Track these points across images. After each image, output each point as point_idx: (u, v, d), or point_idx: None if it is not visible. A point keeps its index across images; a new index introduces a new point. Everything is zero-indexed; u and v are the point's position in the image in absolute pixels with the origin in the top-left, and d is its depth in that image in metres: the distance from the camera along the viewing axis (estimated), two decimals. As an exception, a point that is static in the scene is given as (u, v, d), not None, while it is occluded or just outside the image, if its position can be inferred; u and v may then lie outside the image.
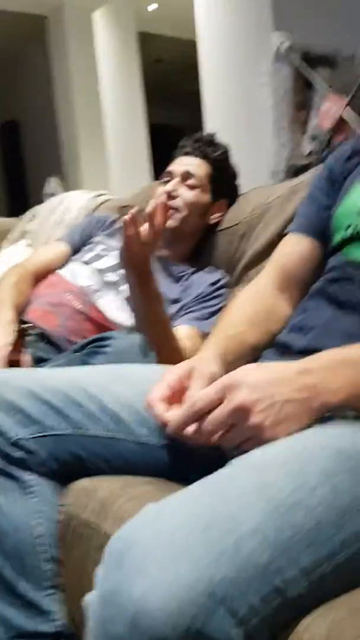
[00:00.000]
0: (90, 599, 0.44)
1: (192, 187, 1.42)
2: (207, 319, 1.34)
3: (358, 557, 0.47)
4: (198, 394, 0.59)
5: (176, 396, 0.67)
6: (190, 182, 1.42)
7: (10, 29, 5.83)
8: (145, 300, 1.09)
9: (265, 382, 0.57)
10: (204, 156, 1.45)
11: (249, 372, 0.59)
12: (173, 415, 0.61)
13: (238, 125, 2.81)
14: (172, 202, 1.40)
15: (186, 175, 1.42)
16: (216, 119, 3.20)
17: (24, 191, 6.81)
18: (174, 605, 0.38)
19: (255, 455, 0.53)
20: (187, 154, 1.46)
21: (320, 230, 0.96)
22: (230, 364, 0.77)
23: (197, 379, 0.66)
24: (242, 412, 0.56)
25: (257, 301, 0.93)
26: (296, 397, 0.57)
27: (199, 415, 0.58)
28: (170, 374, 0.69)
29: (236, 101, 3.05)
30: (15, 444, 0.71)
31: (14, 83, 6.92)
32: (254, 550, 0.42)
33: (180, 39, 6.08)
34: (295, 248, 0.97)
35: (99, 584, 0.42)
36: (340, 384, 0.58)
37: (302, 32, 2.70)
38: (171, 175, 1.45)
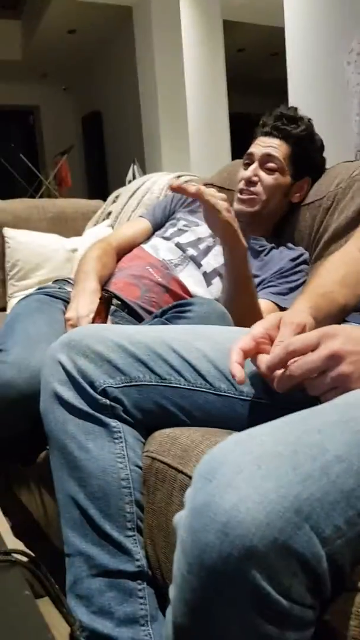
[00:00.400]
0: (180, 516, 0.46)
1: (271, 171, 1.41)
2: (286, 294, 1.33)
3: None
4: (295, 337, 0.60)
5: (262, 349, 0.68)
6: (270, 165, 1.40)
7: (96, 20, 6.00)
8: (233, 261, 1.14)
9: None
10: (285, 136, 1.42)
11: (346, 327, 0.60)
12: (264, 356, 0.62)
13: (324, 105, 2.75)
14: (253, 188, 1.40)
15: (266, 159, 1.41)
16: (300, 102, 3.14)
17: (105, 178, 7.00)
18: (262, 517, 0.39)
19: (339, 398, 0.53)
20: (267, 134, 1.44)
21: None
22: (320, 321, 0.77)
23: (286, 326, 0.67)
24: (335, 360, 0.57)
25: (347, 264, 0.94)
26: None
27: (292, 357, 0.59)
28: (257, 326, 0.69)
29: (322, 80, 2.98)
30: (103, 392, 0.75)
31: (99, 75, 7.12)
32: (339, 475, 0.42)
33: (264, 26, 6.01)
34: None
35: (190, 499, 0.44)
36: None
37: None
38: (251, 157, 1.44)
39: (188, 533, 0.42)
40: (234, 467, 0.42)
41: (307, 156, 1.46)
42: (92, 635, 0.68)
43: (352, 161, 1.50)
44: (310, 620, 0.42)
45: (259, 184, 1.40)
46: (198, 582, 0.41)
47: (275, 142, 1.42)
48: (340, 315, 0.86)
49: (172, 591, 0.45)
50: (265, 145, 1.42)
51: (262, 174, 1.41)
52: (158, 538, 0.69)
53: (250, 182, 1.40)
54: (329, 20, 3.02)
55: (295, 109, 1.48)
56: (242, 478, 0.41)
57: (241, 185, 1.42)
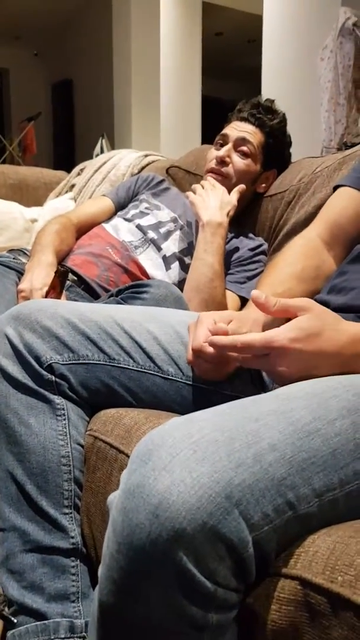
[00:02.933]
0: (114, 496, 0.46)
1: (244, 155, 1.40)
2: (243, 283, 1.35)
3: None
4: (251, 336, 0.61)
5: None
6: (243, 149, 1.40)
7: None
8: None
9: (311, 355, 0.60)
10: (261, 124, 1.42)
11: (303, 341, 0.60)
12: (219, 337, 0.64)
13: (295, 99, 2.77)
14: (224, 169, 1.39)
15: (240, 142, 1.40)
16: (273, 93, 3.15)
17: (72, 149, 6.87)
18: (193, 500, 0.40)
19: (282, 389, 0.55)
20: (243, 119, 1.43)
21: None
22: (277, 321, 0.78)
23: (238, 322, 0.68)
24: (279, 377, 0.60)
25: (306, 256, 0.93)
26: (333, 371, 0.60)
27: (238, 351, 0.62)
28: (208, 317, 0.70)
29: (295, 75, 2.99)
30: (49, 368, 0.74)
31: (72, 43, 6.93)
32: (271, 464, 0.44)
33: (243, 12, 5.97)
34: (347, 203, 0.96)
35: (124, 480, 0.44)
36: None
37: (370, 9, 2.62)
38: (225, 139, 1.43)
39: (119, 513, 0.42)
40: (171, 450, 0.43)
41: (278, 148, 1.47)
42: (22, 609, 0.67)
43: (316, 157, 1.52)
44: (234, 603, 0.43)
45: (230, 165, 1.40)
46: (126, 561, 0.41)
47: (250, 128, 1.42)
48: None
49: (101, 569, 0.45)
50: (241, 129, 1.41)
51: (235, 156, 1.40)
52: (95, 517, 0.70)
53: (222, 162, 1.39)
54: (306, 15, 3.02)
55: (273, 101, 1.49)
56: (177, 461, 0.42)
57: (212, 164, 1.41)
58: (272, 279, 0.91)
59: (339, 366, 0.61)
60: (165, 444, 0.43)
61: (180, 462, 0.41)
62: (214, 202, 1.30)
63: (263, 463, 0.43)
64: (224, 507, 0.40)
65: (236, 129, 1.42)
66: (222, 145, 1.43)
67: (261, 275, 1.06)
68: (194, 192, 1.34)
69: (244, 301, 1.33)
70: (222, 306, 1.22)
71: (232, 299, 1.30)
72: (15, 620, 0.64)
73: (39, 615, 0.67)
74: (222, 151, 1.40)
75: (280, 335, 0.60)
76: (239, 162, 1.40)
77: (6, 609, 0.62)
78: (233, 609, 0.43)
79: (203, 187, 1.34)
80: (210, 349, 0.65)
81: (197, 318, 0.72)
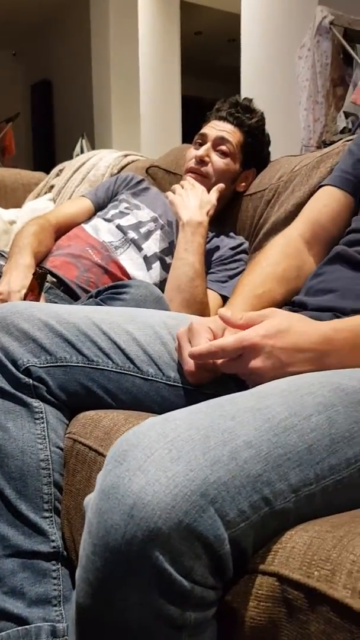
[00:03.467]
0: (89, 497, 0.46)
1: (224, 155, 1.40)
2: (225, 282, 1.35)
3: (345, 483, 0.49)
4: (223, 339, 0.64)
5: None
6: (222, 148, 1.40)
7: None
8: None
9: (282, 351, 0.61)
10: (239, 124, 1.42)
11: (274, 337, 0.62)
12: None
13: (274, 98, 2.78)
14: (203, 168, 1.39)
15: (219, 142, 1.40)
16: (252, 91, 3.16)
17: (52, 150, 6.83)
18: (168, 500, 0.40)
19: (259, 387, 0.55)
20: (221, 118, 1.43)
21: (353, 182, 0.95)
22: None
23: (231, 332, 0.70)
24: (255, 376, 0.61)
25: (288, 256, 0.94)
26: (306, 368, 0.61)
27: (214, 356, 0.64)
28: (203, 326, 0.71)
29: (274, 74, 3.01)
30: (26, 371, 0.73)
31: (51, 43, 6.89)
32: (247, 460, 0.44)
33: (223, 11, 5.98)
34: (329, 202, 0.97)
35: (100, 481, 0.44)
36: (356, 361, 0.62)
37: (346, 8, 2.64)
38: (204, 138, 1.42)
39: (94, 515, 0.42)
40: (146, 450, 0.42)
41: (256, 147, 1.47)
42: (3, 615, 0.67)
43: (295, 155, 1.53)
44: (211, 601, 0.43)
45: (210, 164, 1.40)
46: (102, 563, 0.41)
47: (229, 127, 1.42)
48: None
49: (78, 572, 0.45)
50: (220, 128, 1.41)
51: (214, 155, 1.40)
52: (75, 520, 0.69)
53: (201, 161, 1.39)
54: (283, 14, 3.04)
55: (251, 100, 1.49)
56: (152, 461, 0.41)
57: (191, 164, 1.40)
58: (252, 278, 0.91)
59: (313, 362, 0.62)
60: (141, 444, 0.43)
61: (155, 461, 0.41)
62: (194, 201, 1.30)
63: (239, 460, 0.43)
64: (199, 505, 0.40)
65: (215, 128, 1.42)
66: (201, 145, 1.43)
67: (242, 274, 1.07)
68: (174, 192, 1.34)
69: (225, 300, 1.33)
70: (203, 305, 1.22)
71: (213, 298, 1.30)
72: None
73: (20, 620, 0.67)
74: (201, 150, 1.40)
75: (251, 333, 0.62)
76: (218, 161, 1.40)
77: None
78: (211, 607, 0.43)
79: (182, 187, 1.34)
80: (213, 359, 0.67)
81: (190, 327, 0.72)
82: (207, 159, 1.39)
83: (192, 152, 1.43)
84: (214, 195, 1.34)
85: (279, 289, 0.91)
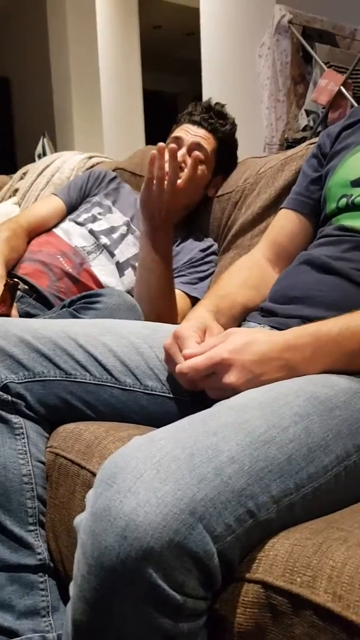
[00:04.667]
0: (81, 518, 0.47)
1: (199, 162, 1.39)
2: (195, 283, 1.37)
3: (323, 490, 0.52)
4: (194, 360, 0.66)
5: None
6: (197, 154, 1.40)
7: (6, -19, 5.67)
8: (153, 251, 1.13)
9: (252, 363, 0.63)
10: (213, 130, 1.42)
11: (242, 351, 0.64)
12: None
13: (235, 95, 2.80)
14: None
15: (195, 147, 1.39)
16: (214, 88, 3.18)
17: (12, 149, 6.71)
18: (159, 519, 0.41)
19: (235, 399, 0.57)
20: (195, 123, 1.42)
21: (311, 205, 1.00)
22: (223, 322, 0.81)
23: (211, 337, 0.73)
24: (222, 366, 0.63)
25: (250, 268, 0.99)
26: (277, 375, 0.63)
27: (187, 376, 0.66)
28: (189, 331, 0.73)
29: (235, 71, 3.03)
30: (5, 388, 0.74)
31: (7, 39, 6.74)
32: (231, 476, 0.46)
33: (180, 5, 5.97)
34: (286, 224, 1.02)
35: (91, 503, 0.45)
36: (321, 363, 0.65)
37: (304, 7, 2.68)
38: (178, 142, 1.41)
39: (88, 536, 0.44)
40: (134, 472, 0.44)
41: (228, 154, 1.48)
42: (-8, 629, 0.68)
43: (260, 157, 1.55)
44: (202, 611, 0.45)
45: (185, 170, 1.40)
46: (98, 582, 0.43)
47: (203, 132, 1.41)
48: (244, 313, 0.91)
49: (72, 590, 0.46)
50: (194, 134, 1.41)
51: (189, 161, 1.40)
52: (60, 532, 0.70)
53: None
54: (242, 9, 3.06)
55: (223, 105, 1.49)
56: (141, 482, 0.43)
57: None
58: (218, 283, 0.95)
59: (283, 369, 0.64)
60: (129, 466, 0.45)
61: (145, 483, 0.43)
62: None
63: (223, 476, 0.45)
64: (188, 523, 0.42)
65: (189, 132, 1.41)
66: None
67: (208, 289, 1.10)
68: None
69: (195, 301, 1.35)
70: (174, 311, 1.23)
71: (183, 299, 1.31)
72: None
73: (10, 633, 0.68)
74: (179, 156, 1.39)
75: (219, 350, 0.64)
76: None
77: None
78: (202, 616, 0.45)
79: None
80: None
81: (176, 334, 0.74)
82: (183, 165, 1.39)
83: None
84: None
85: (241, 291, 0.95)
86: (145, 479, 0.43)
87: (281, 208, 1.07)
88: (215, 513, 0.44)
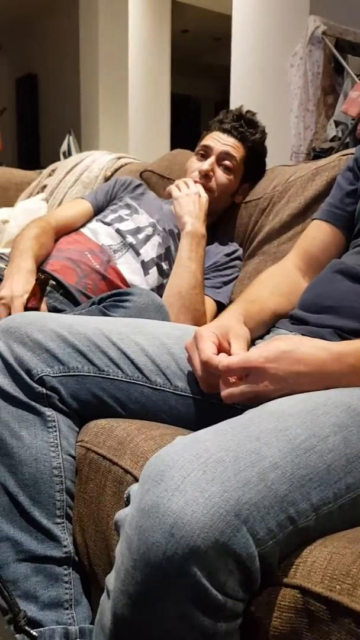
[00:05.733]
0: (125, 513, 0.48)
1: (227, 170, 1.41)
2: (219, 287, 1.38)
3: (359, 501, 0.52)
4: (229, 359, 0.65)
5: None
6: (227, 163, 1.41)
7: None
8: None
9: (287, 373, 0.63)
10: (243, 138, 1.43)
11: (279, 359, 0.63)
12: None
13: (263, 103, 2.81)
14: (207, 184, 1.39)
15: (224, 157, 1.41)
16: (242, 94, 3.19)
17: (37, 145, 6.77)
18: (206, 519, 0.42)
19: (273, 405, 0.58)
20: (225, 131, 1.43)
21: (343, 217, 1.00)
22: (251, 327, 0.81)
23: (235, 339, 0.72)
24: (262, 398, 0.63)
25: (279, 276, 1.01)
26: (314, 387, 0.63)
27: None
28: (208, 331, 0.73)
29: (264, 78, 3.04)
30: (40, 381, 0.75)
31: (37, 37, 6.81)
32: (274, 481, 0.46)
33: (210, 10, 6.00)
34: (317, 234, 1.03)
35: (137, 499, 0.46)
36: (357, 384, 0.64)
37: (337, 18, 2.68)
38: (208, 150, 1.42)
39: (135, 532, 0.45)
40: (182, 471, 0.45)
41: (257, 162, 1.49)
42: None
43: (289, 165, 1.56)
44: (240, 612, 0.46)
45: (213, 179, 1.41)
46: (142, 577, 0.44)
47: (232, 141, 1.42)
48: (272, 320, 0.91)
49: (113, 583, 0.47)
50: (224, 142, 1.42)
51: (218, 171, 1.41)
52: (88, 526, 0.71)
53: (206, 176, 1.40)
54: (275, 18, 3.07)
55: (254, 113, 1.50)
56: (188, 482, 0.44)
57: (194, 176, 1.41)
58: (245, 294, 0.96)
59: (318, 384, 0.63)
60: (176, 464, 0.46)
61: (192, 482, 0.44)
62: (200, 212, 1.32)
63: (267, 481, 0.46)
64: (233, 524, 0.43)
65: (219, 141, 1.42)
66: (203, 156, 1.44)
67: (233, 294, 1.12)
68: (170, 193, 1.36)
69: (219, 305, 1.36)
70: (200, 313, 1.24)
71: (208, 303, 1.33)
72: (36, 634, 0.65)
73: (34, 623, 0.69)
74: (206, 165, 1.40)
75: (255, 355, 0.64)
76: (222, 177, 1.41)
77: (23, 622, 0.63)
78: (239, 617, 0.46)
79: (187, 186, 1.36)
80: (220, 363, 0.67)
81: (196, 334, 0.74)
82: (211, 173, 1.40)
83: (195, 164, 1.43)
84: (205, 204, 1.36)
85: (272, 297, 0.95)
86: (192, 478, 0.44)
87: (314, 219, 1.08)
88: (259, 517, 0.44)
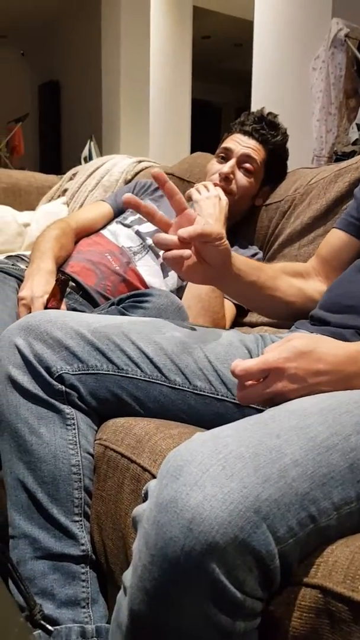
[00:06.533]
0: (143, 509, 0.48)
1: (248, 173, 1.41)
2: (240, 290, 1.37)
3: None
4: (248, 362, 0.64)
5: None
6: (247, 166, 1.40)
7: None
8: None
9: (307, 372, 0.62)
10: (264, 141, 1.42)
11: (298, 359, 0.63)
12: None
13: (285, 107, 2.80)
14: (227, 186, 1.39)
15: (245, 159, 1.40)
16: (263, 99, 3.19)
17: (59, 151, 6.84)
18: (225, 515, 0.42)
19: (294, 403, 0.57)
20: (246, 133, 1.43)
21: (358, 225, 1.01)
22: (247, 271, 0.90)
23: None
24: (280, 398, 0.62)
25: (296, 265, 1.06)
26: (332, 388, 0.62)
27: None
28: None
29: (286, 83, 3.03)
30: (59, 378, 0.75)
31: (60, 43, 6.90)
32: (295, 479, 0.46)
33: (231, 16, 6.02)
34: (335, 242, 1.06)
35: (155, 494, 0.46)
36: None
37: (360, 21, 2.67)
38: (228, 153, 1.42)
39: (152, 526, 0.44)
40: (200, 466, 0.44)
41: (278, 165, 1.48)
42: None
43: (311, 167, 1.55)
44: (258, 611, 0.45)
45: (233, 182, 1.40)
46: (160, 573, 0.43)
47: (253, 143, 1.42)
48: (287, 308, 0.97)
49: (130, 579, 0.47)
50: (245, 145, 1.41)
51: (239, 173, 1.41)
52: (106, 524, 0.71)
53: (226, 179, 1.39)
54: (297, 24, 3.06)
55: (276, 115, 1.49)
56: (207, 477, 0.43)
57: (215, 178, 1.41)
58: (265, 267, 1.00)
59: (338, 384, 0.62)
60: (195, 460, 0.45)
61: (211, 478, 0.43)
62: (220, 215, 1.31)
63: (287, 478, 0.45)
64: (253, 521, 0.42)
65: (240, 143, 1.42)
66: (224, 159, 1.43)
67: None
68: (191, 196, 1.36)
69: (240, 309, 1.35)
70: (219, 316, 1.24)
71: (228, 306, 1.32)
72: (52, 629, 0.65)
73: (51, 621, 0.68)
74: (227, 167, 1.39)
75: (275, 355, 0.63)
76: (242, 179, 1.41)
77: (39, 616, 0.63)
78: (258, 617, 0.45)
79: (199, 192, 1.35)
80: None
81: None
82: (231, 176, 1.40)
83: (216, 167, 1.43)
84: (225, 207, 1.35)
85: (284, 277, 1.01)
86: (211, 473, 0.44)
87: (333, 227, 1.10)
88: (279, 514, 0.44)
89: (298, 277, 1.04)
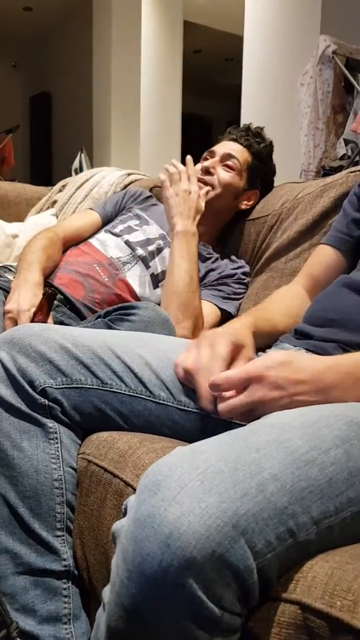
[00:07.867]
0: (121, 524, 0.48)
1: (229, 169, 1.45)
2: (226, 298, 1.37)
3: None
4: (227, 375, 0.66)
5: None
6: (229, 163, 1.45)
7: (56, 2, 5.86)
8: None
9: (287, 380, 0.63)
10: (248, 145, 1.49)
11: (278, 367, 0.64)
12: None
13: (274, 122, 2.84)
14: (207, 178, 1.43)
15: (226, 157, 1.46)
16: (253, 113, 3.23)
17: (50, 163, 6.86)
18: (203, 530, 0.42)
19: (274, 418, 0.57)
20: (232, 139, 1.50)
21: (350, 243, 1.04)
22: (256, 339, 0.82)
23: (243, 360, 0.74)
24: (261, 407, 0.63)
25: (292, 298, 1.05)
26: (313, 399, 0.63)
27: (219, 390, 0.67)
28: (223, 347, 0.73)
29: (275, 98, 3.07)
30: (42, 392, 0.75)
31: (52, 56, 6.94)
32: (273, 493, 0.46)
33: (221, 31, 6.09)
34: (322, 259, 1.07)
35: (134, 509, 0.46)
36: (354, 396, 0.64)
37: (348, 38, 2.72)
38: (212, 154, 1.49)
39: (130, 542, 0.44)
40: (179, 481, 0.44)
41: (262, 170, 1.52)
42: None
43: (298, 182, 1.57)
44: (237, 627, 0.45)
45: (215, 176, 1.44)
46: (137, 589, 0.43)
47: (237, 146, 1.48)
48: (277, 337, 0.92)
49: (108, 595, 0.46)
50: (228, 147, 1.48)
51: (219, 168, 1.45)
52: (88, 539, 0.71)
53: (207, 172, 1.44)
54: (286, 40, 3.11)
55: (262, 128, 1.56)
56: (185, 492, 0.43)
57: (197, 174, 1.45)
58: (259, 309, 0.97)
59: (318, 394, 0.63)
60: (173, 475, 0.45)
61: (189, 493, 0.43)
62: (190, 211, 1.33)
63: (266, 493, 0.45)
64: (231, 536, 0.42)
65: (224, 146, 1.48)
66: (207, 160, 1.48)
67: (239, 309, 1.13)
68: (167, 170, 1.37)
69: (225, 315, 1.35)
70: (197, 311, 1.24)
71: (213, 312, 1.32)
72: None
73: (31, 638, 0.68)
74: (208, 162, 1.46)
75: (256, 364, 0.65)
76: (223, 173, 1.45)
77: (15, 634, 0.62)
78: (236, 633, 0.45)
79: (176, 167, 1.37)
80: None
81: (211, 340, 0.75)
82: (212, 170, 1.44)
83: (199, 165, 1.47)
84: (202, 203, 1.36)
85: (284, 319, 0.99)
86: (189, 489, 0.44)
87: (320, 243, 1.11)
88: (257, 529, 0.44)
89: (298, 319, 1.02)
